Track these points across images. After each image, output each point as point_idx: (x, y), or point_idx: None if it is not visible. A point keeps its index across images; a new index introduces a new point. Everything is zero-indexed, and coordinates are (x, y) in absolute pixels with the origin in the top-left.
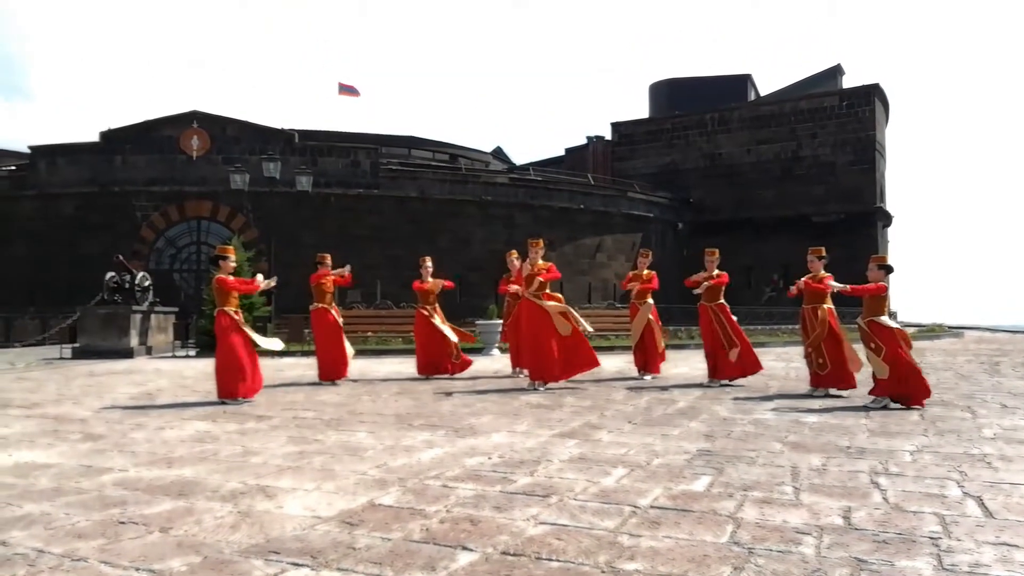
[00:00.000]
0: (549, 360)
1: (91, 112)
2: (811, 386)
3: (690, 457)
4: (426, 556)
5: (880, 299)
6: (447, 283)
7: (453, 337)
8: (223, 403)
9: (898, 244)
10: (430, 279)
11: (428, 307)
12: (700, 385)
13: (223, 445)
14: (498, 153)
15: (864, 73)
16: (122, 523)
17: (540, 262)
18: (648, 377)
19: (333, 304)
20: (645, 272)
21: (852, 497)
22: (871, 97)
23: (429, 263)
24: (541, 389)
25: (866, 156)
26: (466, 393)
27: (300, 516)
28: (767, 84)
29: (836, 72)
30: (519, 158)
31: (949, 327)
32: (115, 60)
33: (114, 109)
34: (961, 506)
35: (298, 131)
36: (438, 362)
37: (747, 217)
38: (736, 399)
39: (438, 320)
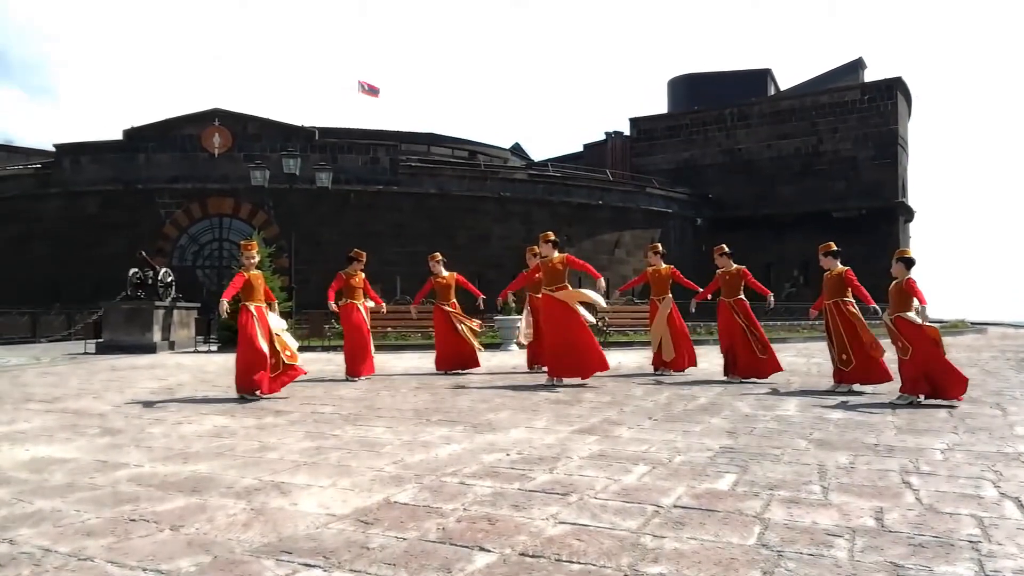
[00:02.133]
0: (568, 357)
1: (114, 111)
2: (835, 382)
3: (713, 455)
4: (442, 557)
5: (906, 293)
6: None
7: (472, 339)
8: (243, 398)
9: (920, 239)
10: (444, 272)
11: (446, 304)
12: (721, 381)
13: (240, 440)
14: (516, 149)
15: (886, 66)
16: (133, 520)
17: (556, 255)
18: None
19: (364, 301)
20: (663, 268)
21: (883, 497)
22: (893, 91)
23: (439, 258)
24: (559, 385)
25: (888, 151)
26: (484, 388)
27: (314, 514)
28: (787, 79)
29: (857, 66)
30: (537, 154)
31: (972, 323)
32: (136, 59)
33: (136, 108)
34: (999, 507)
35: (318, 128)
36: (457, 358)
37: (767, 213)
38: (758, 395)
39: (452, 318)
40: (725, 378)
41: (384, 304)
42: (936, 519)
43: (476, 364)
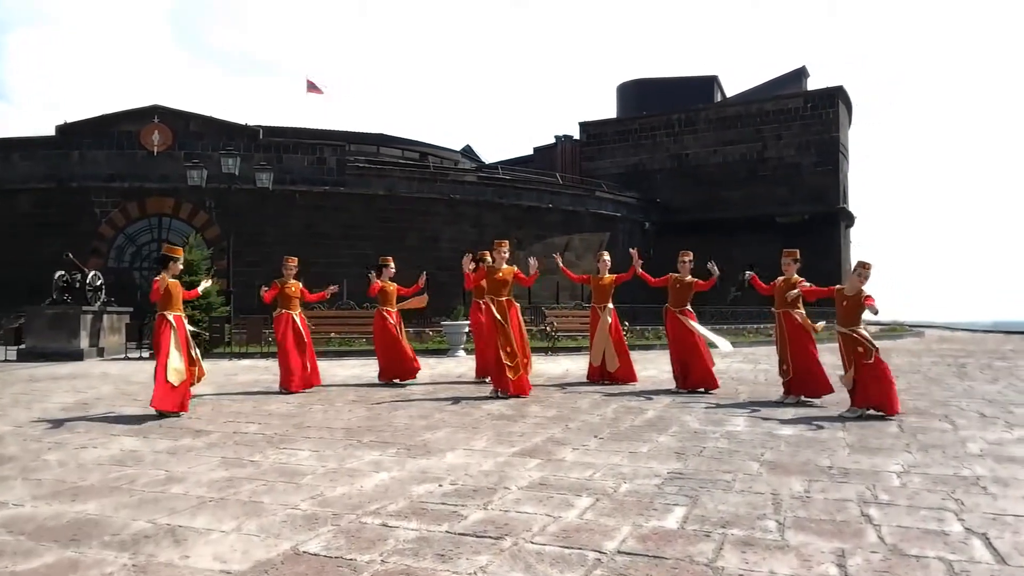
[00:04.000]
0: (501, 371)
1: (58, 108)
2: (783, 394)
3: (661, 482)
4: None
5: (860, 306)
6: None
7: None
8: (161, 415)
9: (860, 244)
10: (390, 281)
11: (388, 308)
12: (669, 391)
13: (145, 468)
14: (467, 152)
15: (828, 75)
16: None
17: (505, 266)
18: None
19: (300, 312)
20: (607, 277)
21: (844, 536)
22: (835, 99)
23: (391, 265)
24: (503, 397)
25: (830, 157)
26: (425, 401)
27: (206, 572)
28: (733, 85)
29: (801, 74)
30: (488, 157)
31: (909, 326)
32: (82, 56)
33: (82, 106)
34: (967, 547)
35: (263, 127)
36: (399, 368)
37: (713, 217)
38: (707, 407)
39: (395, 324)
40: (674, 388)
41: (330, 289)
42: (903, 564)
43: (414, 374)
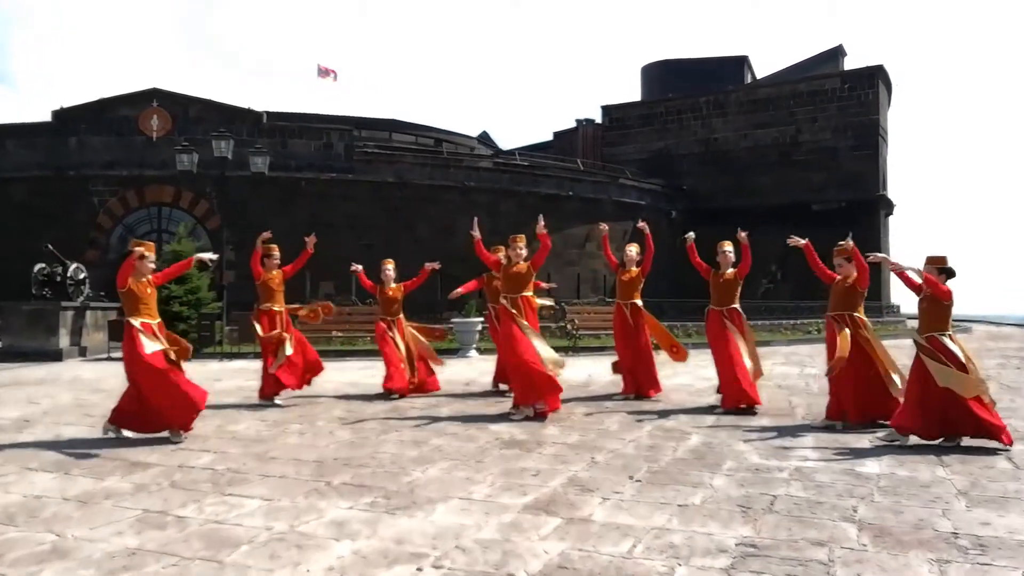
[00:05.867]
0: (537, 379)
1: (63, 96)
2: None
3: (730, 562)
4: None
5: (946, 307)
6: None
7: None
8: (118, 432)
9: (899, 234)
10: (393, 284)
11: (388, 318)
12: (711, 407)
13: (33, 530)
14: (484, 138)
15: (866, 54)
16: None
17: (522, 261)
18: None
19: (285, 308)
20: (635, 270)
21: None
22: (875, 79)
23: (390, 268)
24: (521, 415)
25: (868, 141)
26: (422, 419)
27: None
28: (765, 66)
29: (837, 53)
30: (507, 143)
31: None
32: (86, 41)
33: (82, 92)
34: None
35: (268, 112)
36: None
37: (743, 205)
38: (762, 432)
39: (397, 335)
40: (718, 406)
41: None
42: None
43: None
